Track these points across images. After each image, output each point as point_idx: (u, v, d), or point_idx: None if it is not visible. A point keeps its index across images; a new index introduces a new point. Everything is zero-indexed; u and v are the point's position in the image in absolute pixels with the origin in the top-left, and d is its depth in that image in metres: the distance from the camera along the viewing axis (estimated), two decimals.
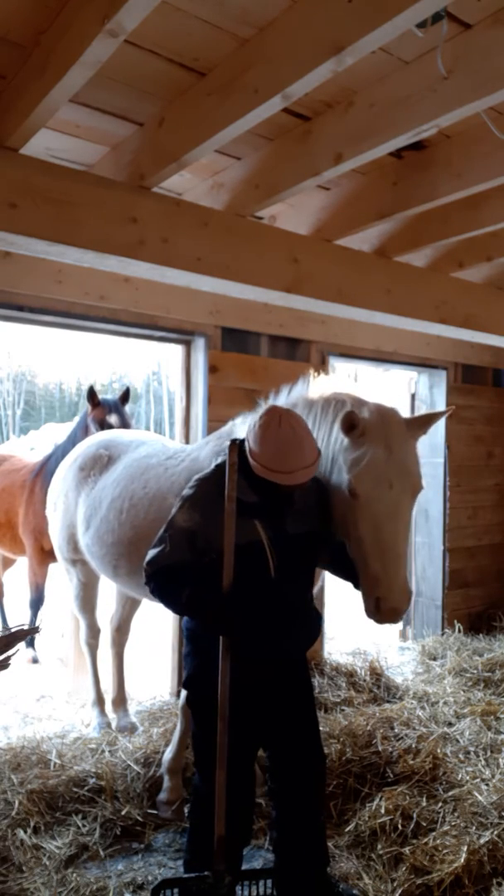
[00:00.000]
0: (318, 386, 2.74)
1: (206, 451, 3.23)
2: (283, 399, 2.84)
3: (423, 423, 2.57)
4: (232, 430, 3.09)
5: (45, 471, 5.16)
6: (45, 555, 5.22)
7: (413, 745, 3.50)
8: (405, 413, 2.55)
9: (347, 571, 2.48)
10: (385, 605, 2.30)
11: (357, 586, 2.46)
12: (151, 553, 2.35)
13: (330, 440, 2.52)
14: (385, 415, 2.48)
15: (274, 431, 2.22)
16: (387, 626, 2.57)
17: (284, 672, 2.40)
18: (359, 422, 2.37)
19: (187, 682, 2.43)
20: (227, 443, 3.04)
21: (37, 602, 5.40)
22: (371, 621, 2.41)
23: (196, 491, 2.37)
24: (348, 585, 2.53)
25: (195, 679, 2.39)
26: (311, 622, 2.46)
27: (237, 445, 2.28)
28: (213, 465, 2.46)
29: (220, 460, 2.46)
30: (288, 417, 2.25)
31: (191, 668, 2.42)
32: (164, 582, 2.31)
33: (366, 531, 2.35)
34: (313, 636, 2.48)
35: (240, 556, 2.23)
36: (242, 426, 2.93)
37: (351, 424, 2.38)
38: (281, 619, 2.31)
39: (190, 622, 2.45)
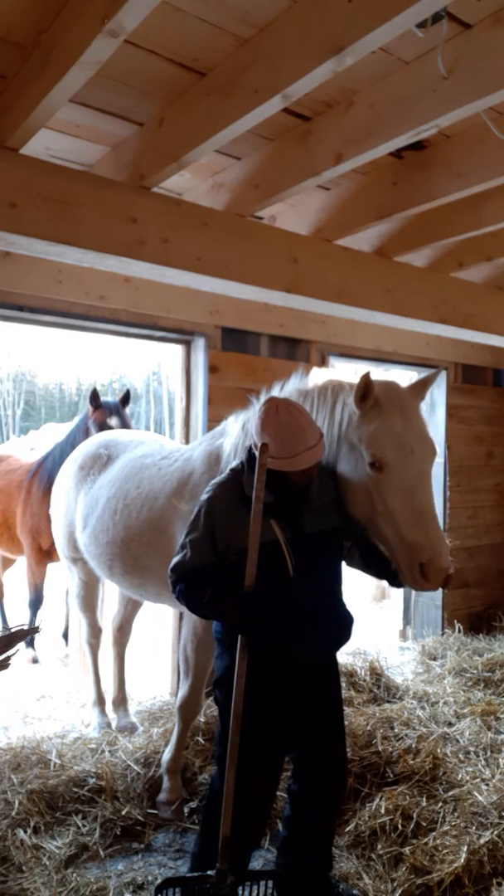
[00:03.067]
0: (311, 377, 2.75)
1: (198, 451, 3.23)
2: (275, 394, 2.84)
3: (421, 387, 2.62)
4: (225, 429, 3.08)
5: (41, 471, 5.17)
6: (42, 555, 5.23)
7: (413, 745, 3.50)
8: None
9: (379, 566, 2.48)
10: (432, 567, 2.27)
11: (392, 580, 2.45)
12: (174, 560, 2.37)
13: (333, 423, 2.50)
14: (391, 386, 2.51)
15: (273, 420, 2.24)
16: (436, 591, 2.52)
17: (311, 674, 2.38)
18: (372, 389, 2.38)
19: (216, 683, 2.42)
20: (220, 441, 3.04)
21: (36, 602, 5.40)
22: (420, 590, 2.39)
23: (213, 495, 2.38)
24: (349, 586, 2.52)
25: (224, 680, 2.38)
26: (338, 623, 2.42)
27: (264, 447, 2.23)
28: (228, 469, 2.47)
29: (235, 464, 2.47)
30: (285, 405, 2.28)
31: (220, 670, 2.41)
32: (187, 586, 2.31)
33: (396, 501, 2.34)
34: (342, 638, 2.44)
35: (258, 556, 2.22)
36: (235, 425, 2.93)
37: (365, 392, 2.38)
38: (302, 619, 2.29)
39: (219, 626, 2.44)
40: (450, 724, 3.96)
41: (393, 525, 2.36)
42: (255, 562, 2.18)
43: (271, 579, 2.23)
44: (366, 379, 2.37)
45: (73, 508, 3.84)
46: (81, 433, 4.94)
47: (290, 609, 2.27)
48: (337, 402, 2.52)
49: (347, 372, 2.75)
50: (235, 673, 2.19)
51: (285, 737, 2.37)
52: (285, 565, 2.26)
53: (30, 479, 5.28)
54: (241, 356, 4.75)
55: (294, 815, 2.43)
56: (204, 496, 2.40)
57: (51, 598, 5.78)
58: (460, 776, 3.32)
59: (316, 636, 2.35)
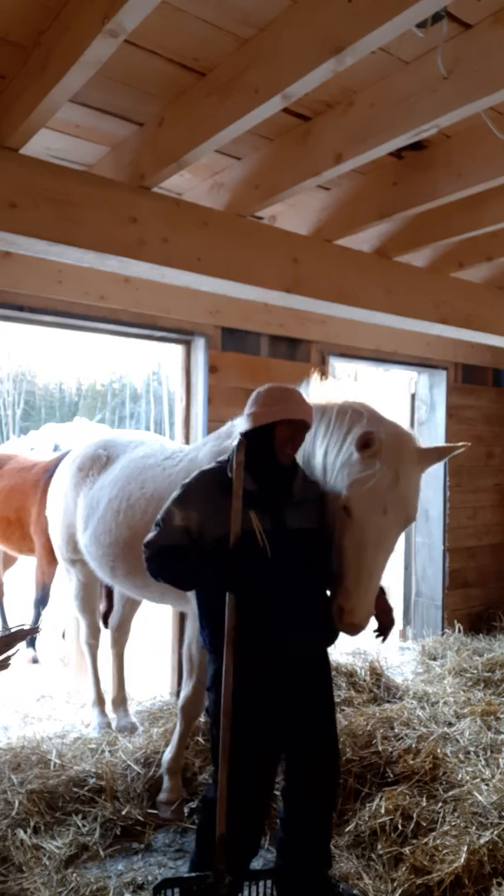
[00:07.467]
0: (326, 391, 2.73)
1: (203, 451, 3.23)
2: None
3: (435, 455, 2.54)
4: (231, 430, 3.08)
5: None
6: (54, 555, 5.21)
7: (413, 745, 3.50)
8: (417, 431, 2.56)
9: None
10: (346, 618, 2.35)
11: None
12: (149, 536, 2.41)
13: (340, 450, 2.51)
14: (401, 439, 2.46)
15: (274, 385, 2.45)
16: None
17: (301, 669, 2.37)
18: (374, 442, 2.37)
19: (209, 689, 2.40)
20: (231, 441, 3.06)
21: (42, 601, 5.40)
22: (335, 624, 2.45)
23: (195, 479, 2.43)
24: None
25: (217, 686, 2.35)
26: (320, 622, 2.41)
27: (244, 443, 2.29)
28: (216, 461, 2.49)
29: (223, 458, 2.48)
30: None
31: (212, 676, 2.39)
32: (164, 561, 2.36)
33: (350, 546, 2.38)
34: (331, 633, 2.44)
35: (238, 548, 2.23)
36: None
37: (365, 444, 2.38)
38: (284, 611, 2.29)
39: (208, 635, 2.39)
40: (450, 724, 3.96)
41: (340, 560, 2.41)
42: (240, 523, 2.25)
43: (252, 568, 2.24)
44: (368, 437, 2.37)
45: (72, 510, 3.83)
46: None
47: (273, 597, 2.27)
48: (351, 431, 2.51)
49: (353, 379, 2.74)
50: (223, 669, 2.18)
51: (277, 734, 2.35)
52: (264, 555, 2.26)
53: (47, 479, 5.23)
54: (241, 356, 4.75)
55: (289, 816, 2.42)
56: (187, 480, 2.45)
57: (52, 598, 5.77)
58: (460, 776, 3.32)
59: (297, 631, 2.33)
